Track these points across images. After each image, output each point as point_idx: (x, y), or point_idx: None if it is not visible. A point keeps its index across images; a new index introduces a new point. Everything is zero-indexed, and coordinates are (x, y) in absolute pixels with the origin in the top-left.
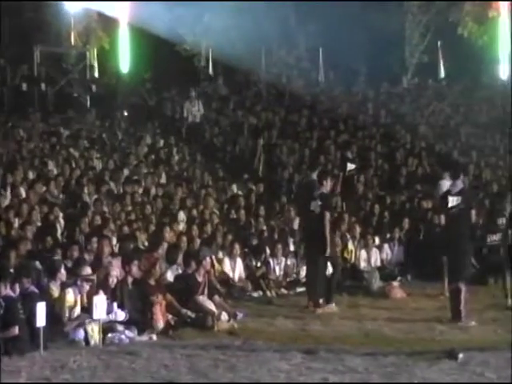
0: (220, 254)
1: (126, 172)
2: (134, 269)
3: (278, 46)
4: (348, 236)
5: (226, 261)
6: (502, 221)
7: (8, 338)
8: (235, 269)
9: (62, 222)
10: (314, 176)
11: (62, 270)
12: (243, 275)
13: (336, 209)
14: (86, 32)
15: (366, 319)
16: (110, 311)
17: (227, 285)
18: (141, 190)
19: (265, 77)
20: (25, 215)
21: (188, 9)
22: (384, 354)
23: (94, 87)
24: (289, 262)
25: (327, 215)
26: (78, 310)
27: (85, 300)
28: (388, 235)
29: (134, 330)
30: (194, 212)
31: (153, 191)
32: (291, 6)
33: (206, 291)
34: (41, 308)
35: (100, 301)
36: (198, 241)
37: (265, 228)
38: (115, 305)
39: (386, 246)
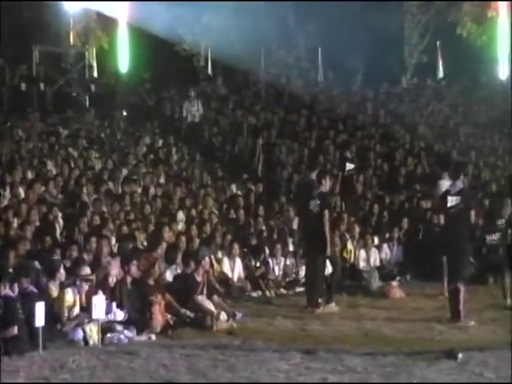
0: (219, 254)
1: (124, 172)
2: (133, 269)
3: (277, 46)
4: (347, 236)
5: (225, 261)
6: (501, 221)
7: (7, 337)
8: (234, 269)
9: (60, 221)
10: (314, 176)
11: (61, 270)
12: (242, 275)
13: (335, 209)
14: (85, 32)
15: (366, 319)
16: (109, 311)
17: (226, 285)
18: (140, 190)
19: (264, 77)
20: (24, 215)
21: (187, 9)
22: (383, 353)
23: (92, 87)
24: (288, 262)
25: (326, 214)
26: (76, 310)
27: (84, 300)
28: (387, 235)
29: (132, 330)
30: (193, 212)
31: (152, 191)
32: (290, 5)
33: (205, 291)
34: (40, 308)
35: (99, 301)
36: (197, 241)
37: (264, 228)
38: (114, 305)
39: (385, 245)
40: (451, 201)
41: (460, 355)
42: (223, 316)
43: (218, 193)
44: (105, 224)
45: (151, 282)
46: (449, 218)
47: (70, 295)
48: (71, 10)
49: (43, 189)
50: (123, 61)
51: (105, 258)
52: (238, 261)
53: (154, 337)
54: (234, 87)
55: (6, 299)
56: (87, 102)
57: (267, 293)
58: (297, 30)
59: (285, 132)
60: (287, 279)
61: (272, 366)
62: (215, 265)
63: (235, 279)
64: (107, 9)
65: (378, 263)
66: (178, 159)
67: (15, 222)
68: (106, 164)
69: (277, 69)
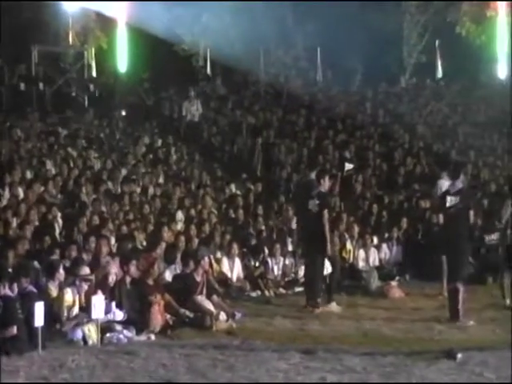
0: (218, 254)
1: (124, 172)
2: (133, 268)
3: (276, 46)
4: (346, 236)
5: (225, 260)
6: (499, 218)
7: (6, 337)
8: (233, 268)
9: (60, 221)
10: (313, 176)
11: (61, 270)
12: (241, 275)
13: (334, 208)
14: (84, 31)
15: (365, 319)
16: (108, 311)
17: (225, 284)
18: (139, 190)
19: (263, 76)
20: (23, 215)
21: (186, 9)
22: (382, 353)
23: (91, 87)
24: (287, 262)
25: (326, 214)
26: (76, 310)
27: (83, 300)
28: (386, 235)
29: (132, 330)
30: (192, 212)
31: (151, 191)
32: (289, 5)
33: (204, 291)
34: (39, 308)
35: (98, 301)
36: (196, 240)
37: (263, 228)
38: (113, 304)
39: (384, 245)
40: (450, 201)
41: (459, 355)
42: (222, 316)
43: (217, 192)
44: (104, 224)
45: (150, 281)
46: (448, 217)
47: (69, 295)
48: (70, 9)
49: (42, 189)
50: (122, 61)
51: (104, 257)
52: (237, 261)
53: (153, 337)
54: (233, 87)
55: (6, 299)
56: (86, 102)
57: (266, 292)
58: (295, 30)
59: (284, 132)
60: (286, 279)
61: (271, 366)
62: (214, 265)
63: (234, 279)
64: (106, 9)
65: (377, 263)
66: (177, 159)
67: (14, 222)
68: (105, 164)
69: (276, 69)
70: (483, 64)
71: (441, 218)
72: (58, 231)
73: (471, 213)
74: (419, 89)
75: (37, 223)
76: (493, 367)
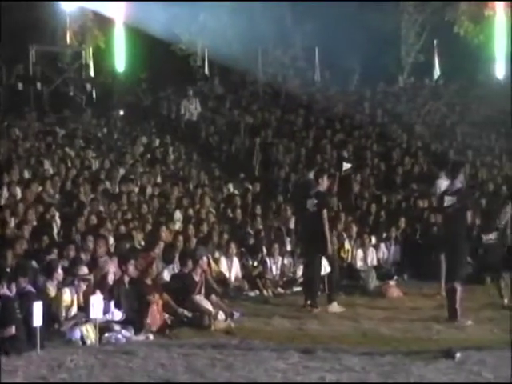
0: (216, 254)
1: (122, 171)
2: (131, 268)
3: (274, 46)
4: (344, 235)
5: (223, 260)
6: (498, 221)
7: (5, 337)
8: (232, 268)
9: (58, 221)
10: (311, 175)
11: (59, 270)
12: (240, 274)
13: (332, 208)
14: (82, 31)
15: (363, 318)
16: (106, 311)
17: (224, 284)
18: (137, 190)
19: (261, 76)
20: (21, 215)
21: (183, 8)
22: (381, 353)
23: (89, 86)
24: (285, 262)
25: (325, 213)
26: (74, 310)
27: (81, 299)
28: (384, 234)
29: (130, 330)
30: (191, 211)
31: (149, 190)
32: (287, 5)
33: (202, 291)
34: (37, 307)
35: (97, 300)
36: (195, 240)
37: (261, 227)
38: (112, 304)
39: (382, 245)
40: (448, 200)
41: (458, 354)
42: (221, 315)
43: (215, 192)
44: (102, 224)
45: (149, 281)
46: (446, 217)
47: (67, 295)
48: (68, 9)
49: (40, 188)
50: (120, 60)
51: (102, 257)
52: (236, 260)
53: (151, 336)
54: (230, 87)
55: (4, 299)
56: (84, 102)
57: (265, 292)
58: (293, 30)
59: (282, 131)
60: (285, 278)
61: (270, 366)
62: (212, 264)
63: (232, 279)
64: (104, 8)
65: (375, 263)
66: (174, 159)
67: (12, 222)
68: (103, 163)
69: (274, 68)
70: (481, 63)
71: (439, 217)
72: (56, 231)
73: (469, 213)
74: (417, 88)
75: (35, 223)
76: (491, 366)
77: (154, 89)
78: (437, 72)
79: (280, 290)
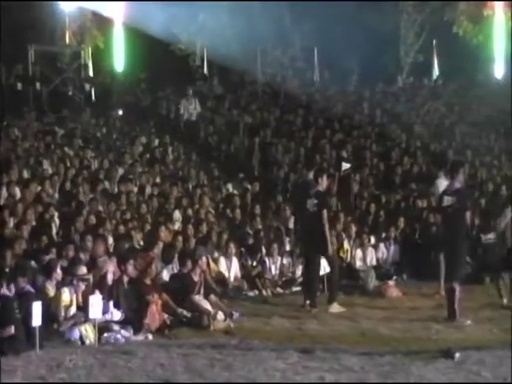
0: (215, 254)
1: (121, 171)
2: (130, 268)
3: (273, 46)
4: (343, 235)
5: (222, 260)
6: (498, 224)
7: (4, 337)
8: (231, 268)
9: (57, 221)
10: (311, 176)
11: (58, 270)
12: (239, 274)
13: (331, 208)
14: (81, 31)
15: (362, 318)
16: (105, 311)
17: (223, 284)
18: (136, 189)
19: (260, 76)
20: (20, 214)
21: (183, 8)
22: (380, 353)
23: (88, 86)
24: (284, 261)
25: (325, 213)
26: (73, 310)
27: (80, 299)
28: (384, 234)
29: (129, 330)
30: (190, 211)
31: (148, 190)
32: (286, 5)
33: (201, 291)
34: (37, 307)
35: (96, 300)
36: (194, 240)
37: (260, 227)
38: (111, 304)
39: (381, 245)
40: (447, 200)
41: (457, 354)
42: (220, 315)
43: (214, 192)
44: (101, 223)
45: (148, 281)
46: (445, 217)
47: (66, 295)
48: (67, 9)
49: (39, 188)
50: (119, 60)
51: (101, 257)
52: (235, 260)
53: (150, 336)
54: (229, 87)
55: (3, 299)
56: (83, 102)
57: (264, 292)
58: (292, 30)
59: (281, 131)
60: (284, 278)
61: (269, 365)
62: (212, 264)
63: (232, 279)
64: (103, 8)
65: (374, 262)
66: (174, 158)
67: (11, 222)
68: (102, 163)
69: (273, 68)
70: (480, 63)
71: (438, 217)
72: (55, 231)
73: (468, 213)
74: (416, 88)
75: (34, 223)
76: (490, 366)
77: (153, 89)
78: (436, 72)
79: (279, 289)
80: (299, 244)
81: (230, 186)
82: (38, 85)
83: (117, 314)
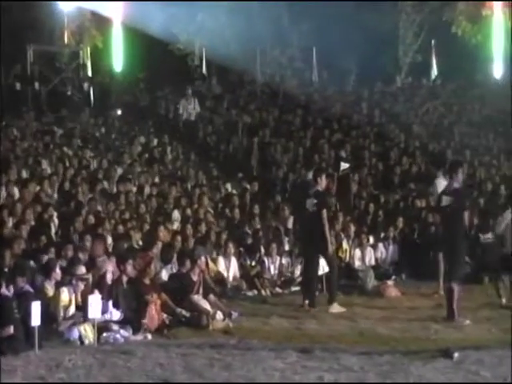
0: (214, 253)
1: (119, 171)
2: (129, 268)
3: (272, 46)
4: (342, 235)
5: (221, 260)
6: (497, 227)
7: (3, 337)
8: (230, 268)
9: (56, 221)
10: (310, 176)
11: (57, 270)
12: (238, 274)
13: (331, 208)
14: (80, 31)
15: (361, 318)
16: (105, 310)
17: (222, 284)
18: (135, 189)
19: (259, 76)
20: (19, 214)
21: (181, 8)
22: (379, 352)
23: (87, 86)
24: (283, 261)
25: (324, 213)
26: (72, 309)
27: (79, 299)
28: (382, 234)
29: (128, 329)
30: (189, 211)
31: (147, 190)
32: (284, 5)
33: (200, 290)
34: (36, 307)
35: (95, 300)
36: (193, 240)
37: (259, 227)
38: (110, 304)
39: (380, 244)
40: (446, 200)
41: (456, 354)
42: (219, 315)
43: (213, 192)
44: (100, 223)
45: (147, 281)
46: (443, 217)
47: (65, 294)
48: (65, 9)
49: (38, 188)
50: (117, 60)
51: (100, 257)
52: (234, 260)
53: (149, 336)
54: (228, 86)
55: (2, 299)
56: (82, 101)
57: (263, 292)
58: (291, 30)
59: (280, 131)
60: (282, 278)
61: (268, 365)
62: (211, 264)
63: (231, 278)
64: (101, 8)
65: (373, 262)
66: (172, 158)
67: (10, 222)
68: (101, 163)
69: (271, 68)
70: (479, 63)
71: (437, 217)
72: (53, 231)
73: (467, 212)
74: (415, 88)
75: (33, 223)
76: (489, 366)
77: (152, 88)
78: (434, 72)
79: (278, 289)
80: (298, 244)
81: (228, 186)
82: (36, 85)
83: (116, 314)
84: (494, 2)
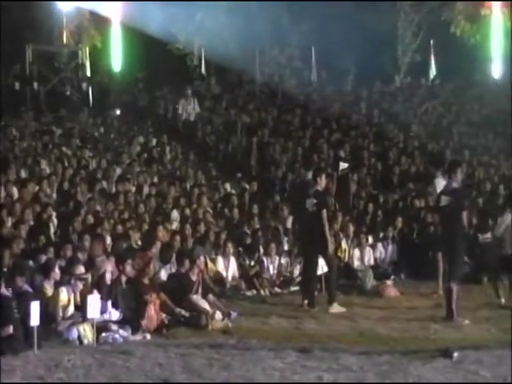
0: (213, 253)
1: (118, 171)
2: (128, 268)
3: (271, 46)
4: (341, 235)
5: (220, 260)
6: (496, 229)
7: (2, 337)
8: (228, 268)
9: (55, 220)
10: (309, 176)
11: (56, 269)
12: (237, 274)
13: (330, 208)
14: (78, 31)
15: (360, 318)
16: (104, 310)
17: (221, 284)
18: (134, 189)
19: (257, 76)
20: (18, 214)
21: (180, 8)
22: (378, 352)
23: (86, 86)
24: (282, 261)
25: (324, 213)
26: (71, 309)
27: (78, 299)
28: (381, 234)
29: (127, 329)
30: (188, 211)
31: (146, 190)
32: (283, 5)
33: (199, 290)
34: (35, 307)
35: (94, 300)
36: (192, 240)
37: (258, 227)
38: (109, 304)
39: (379, 244)
40: (444, 200)
41: (455, 354)
42: (218, 315)
43: (212, 192)
44: (99, 223)
45: (146, 281)
46: (442, 217)
47: (64, 294)
48: (64, 8)
49: (37, 188)
50: (116, 60)
51: (99, 257)
52: (233, 260)
53: (148, 336)
54: (227, 86)
55: (1, 298)
56: (81, 101)
57: (262, 292)
58: (290, 30)
59: (279, 131)
60: (282, 278)
61: (267, 365)
62: (209, 264)
63: (229, 278)
64: (100, 8)
65: (372, 262)
66: (171, 158)
67: (9, 221)
68: (100, 163)
69: (270, 68)
70: (478, 63)
71: (436, 217)
72: (52, 230)
73: (465, 212)
74: (414, 88)
75: (32, 222)
76: (488, 366)
77: (151, 88)
78: (433, 72)
79: (277, 289)
80: (298, 244)
81: (227, 186)
82: (35, 84)
83: (115, 314)
84: (493, 2)
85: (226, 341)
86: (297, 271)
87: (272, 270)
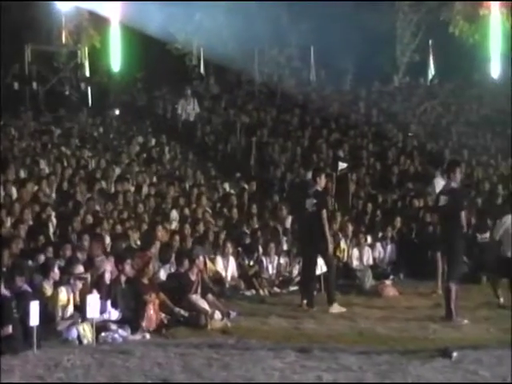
0: (212, 253)
1: (117, 171)
2: (127, 268)
3: (270, 46)
4: (340, 235)
5: (219, 259)
6: (495, 232)
7: (2, 337)
8: (228, 267)
9: (54, 220)
10: (309, 176)
11: (55, 269)
12: (236, 274)
13: (329, 208)
14: (78, 31)
15: (359, 318)
16: (103, 310)
17: (220, 284)
18: (133, 189)
19: (256, 76)
20: (17, 214)
21: (179, 8)
22: (378, 352)
23: (85, 86)
24: (282, 261)
25: (324, 213)
26: (70, 309)
27: (77, 299)
28: (380, 234)
29: (127, 329)
30: (187, 211)
31: (145, 190)
32: (283, 5)
33: (199, 290)
34: (34, 307)
35: (93, 300)
36: (191, 240)
37: (257, 227)
38: (109, 304)
39: (378, 244)
40: (443, 200)
41: (454, 353)
42: (217, 315)
43: (211, 192)
44: (98, 223)
45: (145, 280)
46: (441, 217)
47: (63, 294)
48: (63, 8)
49: (36, 188)
50: (115, 60)
51: (99, 257)
52: (232, 259)
53: (148, 336)
54: (226, 86)
55: (1, 298)
56: (80, 101)
57: (261, 291)
58: (289, 30)
59: (278, 131)
60: (281, 278)
61: (267, 365)
62: (209, 264)
63: (229, 278)
64: (99, 8)
65: (371, 262)
66: (170, 158)
67: (8, 221)
68: (99, 163)
69: (269, 68)
70: (476, 63)
71: (435, 217)
72: (52, 230)
73: (464, 212)
74: (412, 88)
75: (31, 222)
76: (487, 365)
77: (150, 88)
78: (432, 71)
79: (276, 289)
80: (298, 244)
81: (226, 186)
82: (34, 84)
83: (114, 314)
84: (492, 2)
85: (225, 340)
86: (296, 271)
87: (271, 269)
